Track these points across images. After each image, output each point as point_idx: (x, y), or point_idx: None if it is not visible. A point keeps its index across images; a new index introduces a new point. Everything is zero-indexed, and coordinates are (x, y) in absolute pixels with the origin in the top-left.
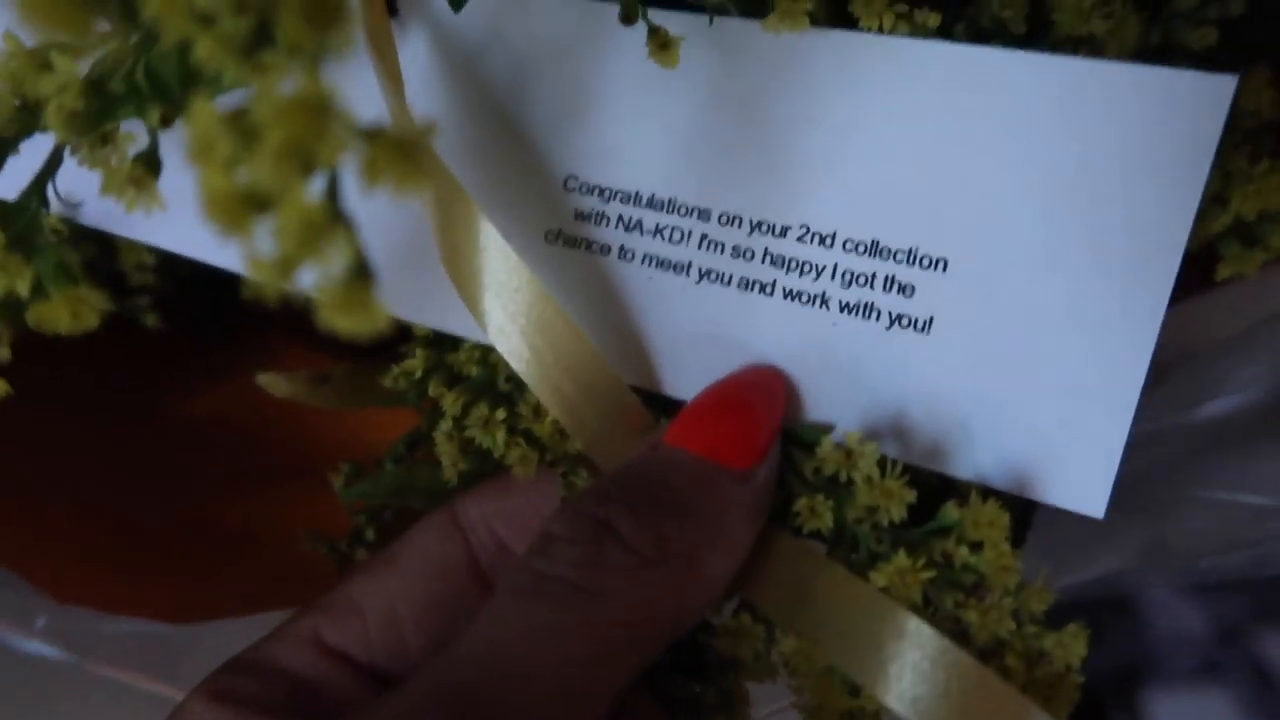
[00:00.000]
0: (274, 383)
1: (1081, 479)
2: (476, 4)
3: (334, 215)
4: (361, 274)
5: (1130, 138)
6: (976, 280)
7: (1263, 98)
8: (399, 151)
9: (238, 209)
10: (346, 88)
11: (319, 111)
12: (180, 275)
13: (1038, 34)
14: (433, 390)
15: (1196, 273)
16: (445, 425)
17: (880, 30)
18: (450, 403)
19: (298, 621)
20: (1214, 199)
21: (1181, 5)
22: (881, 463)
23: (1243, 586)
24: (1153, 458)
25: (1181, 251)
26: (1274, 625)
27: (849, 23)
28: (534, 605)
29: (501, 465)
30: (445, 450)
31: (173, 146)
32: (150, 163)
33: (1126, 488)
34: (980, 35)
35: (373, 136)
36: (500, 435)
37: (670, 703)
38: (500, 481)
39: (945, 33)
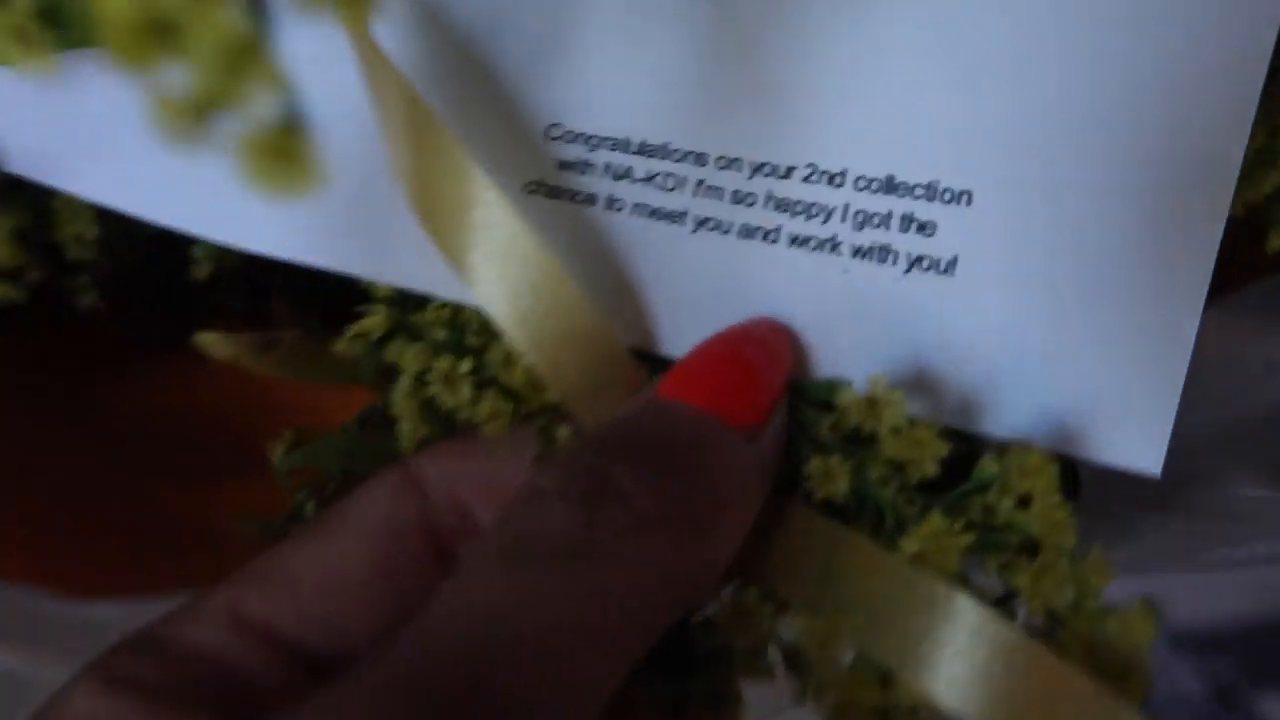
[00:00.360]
0: (215, 343)
1: (1133, 433)
2: None
3: (257, 44)
4: (290, 119)
5: (1174, 47)
6: (1005, 213)
7: None
8: None
9: (142, 36)
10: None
11: None
12: (127, 256)
13: None
14: (391, 353)
15: (1247, 244)
16: (404, 383)
17: None
18: (410, 359)
19: (215, 594)
20: (1261, 158)
21: None
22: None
23: (1235, 643)
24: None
25: (1235, 173)
26: (1270, 686)
27: None
28: (520, 569)
29: (468, 430)
30: (404, 411)
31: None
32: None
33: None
34: None
35: None
36: (465, 389)
37: (649, 702)
38: (464, 442)
39: None
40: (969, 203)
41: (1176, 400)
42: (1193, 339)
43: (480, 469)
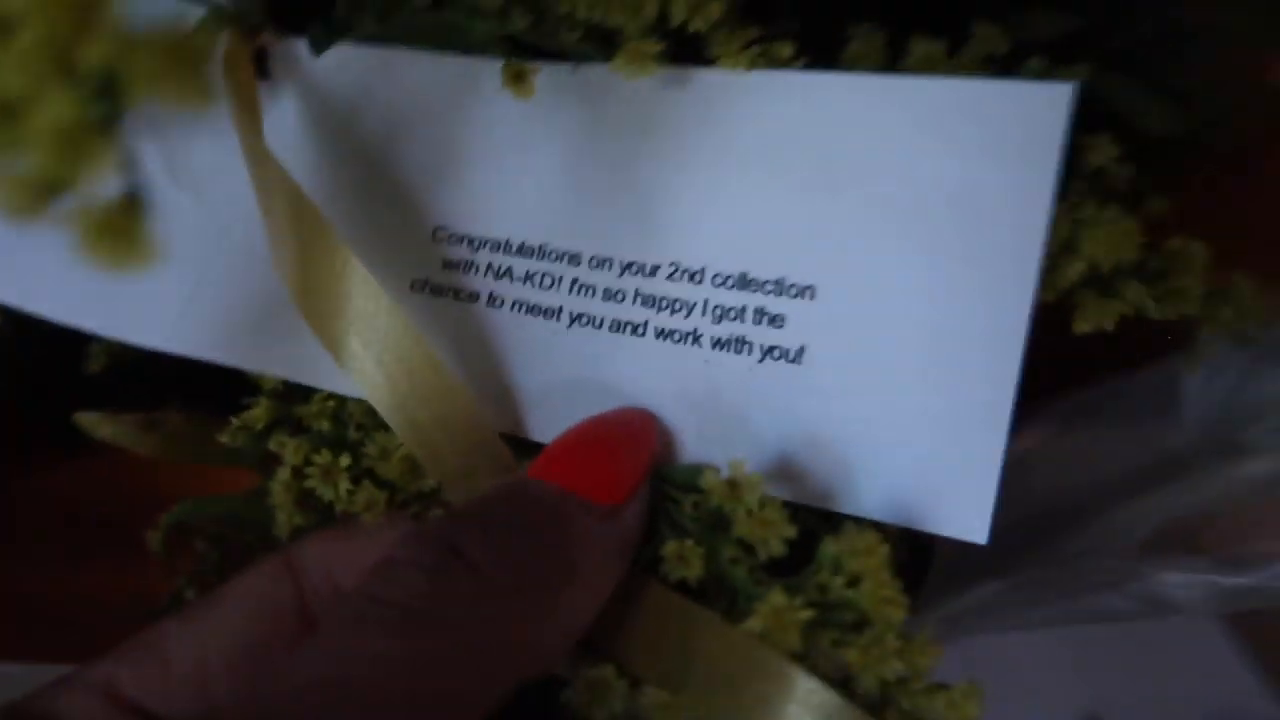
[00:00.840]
0: (96, 423)
1: (962, 505)
2: (348, 66)
3: (98, 125)
4: (130, 197)
5: (979, 152)
6: (844, 306)
7: (1107, 152)
8: (178, 56)
9: None
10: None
11: (84, 6)
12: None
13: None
14: (273, 444)
15: (1058, 326)
16: (283, 475)
17: (740, 68)
18: (292, 450)
19: (90, 668)
20: (1066, 247)
21: (1029, 71)
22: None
23: None
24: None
25: (1038, 263)
26: None
27: (706, 60)
28: (366, 633)
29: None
30: (281, 501)
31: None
32: None
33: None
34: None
35: (147, 38)
36: (343, 485)
37: None
38: (345, 525)
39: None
40: (813, 297)
41: (997, 472)
42: (1008, 418)
43: (357, 554)
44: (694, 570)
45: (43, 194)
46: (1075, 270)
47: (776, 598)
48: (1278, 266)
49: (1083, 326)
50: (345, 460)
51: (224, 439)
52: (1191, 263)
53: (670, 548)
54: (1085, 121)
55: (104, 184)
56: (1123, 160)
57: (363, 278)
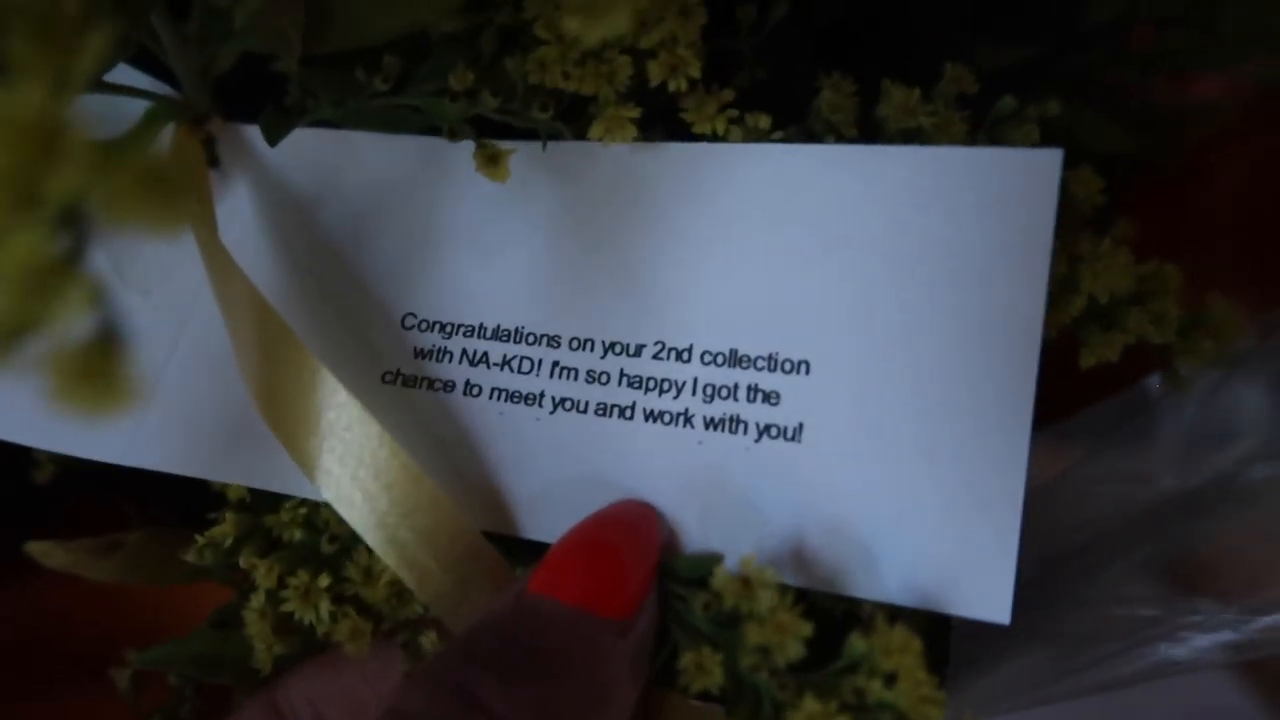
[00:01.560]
0: (48, 552)
1: (981, 584)
2: (304, 151)
3: (68, 261)
4: (105, 335)
5: (972, 220)
6: (841, 380)
7: (1092, 185)
8: (152, 182)
9: None
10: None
11: (50, 133)
12: None
13: (868, 137)
14: (243, 561)
15: (1065, 363)
16: (257, 600)
17: (714, 135)
18: (264, 573)
19: None
20: (1065, 284)
21: (1003, 108)
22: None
23: None
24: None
25: (1040, 325)
26: None
27: (681, 124)
28: None
29: (327, 644)
30: (257, 630)
31: None
32: None
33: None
34: (814, 137)
35: (118, 162)
36: (324, 606)
37: None
38: (330, 657)
39: (781, 133)
40: (808, 371)
41: (1015, 550)
42: (1021, 491)
43: (345, 687)
44: (715, 679)
45: (12, 337)
46: (1076, 306)
47: (810, 704)
48: (1237, 284)
49: (1088, 360)
50: (325, 580)
51: (190, 558)
52: (1168, 285)
53: (688, 658)
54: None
55: (74, 324)
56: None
57: (332, 388)
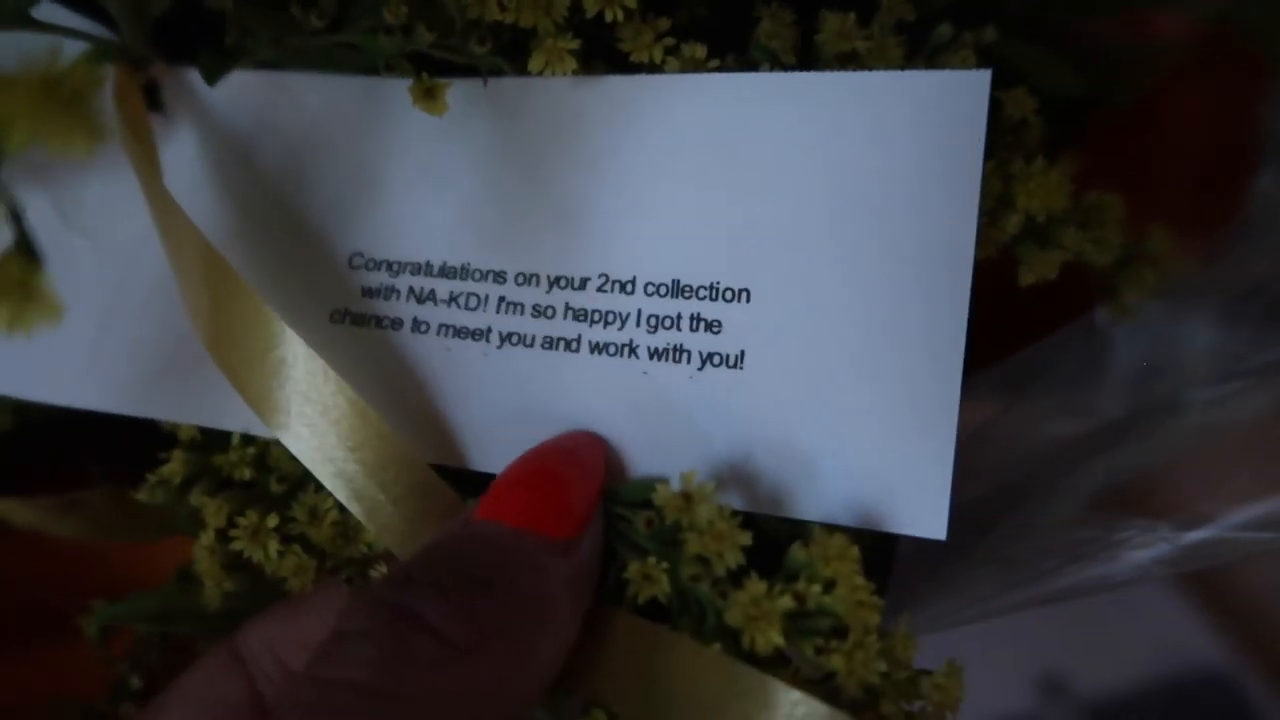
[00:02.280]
0: (12, 510)
1: (918, 502)
2: (246, 94)
3: None
4: (20, 249)
5: (905, 144)
6: (780, 308)
7: (1026, 105)
8: (57, 96)
9: None
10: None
11: None
12: None
13: (807, 64)
14: (194, 499)
15: (1005, 282)
16: (206, 538)
17: (651, 63)
18: (213, 512)
19: None
20: (1001, 201)
21: (940, 36)
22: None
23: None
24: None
25: (972, 247)
26: None
27: (619, 58)
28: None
29: (279, 588)
30: (207, 567)
31: None
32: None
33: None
34: (752, 66)
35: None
36: (272, 546)
37: None
38: (288, 603)
39: (719, 62)
40: (748, 300)
41: (950, 468)
42: (956, 408)
43: (303, 626)
44: (662, 587)
45: None
46: (1013, 223)
47: (755, 586)
48: (1183, 218)
49: (1028, 279)
50: (273, 520)
51: (141, 497)
52: (1109, 214)
53: (634, 568)
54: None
55: None
56: (1038, 112)
57: (277, 327)
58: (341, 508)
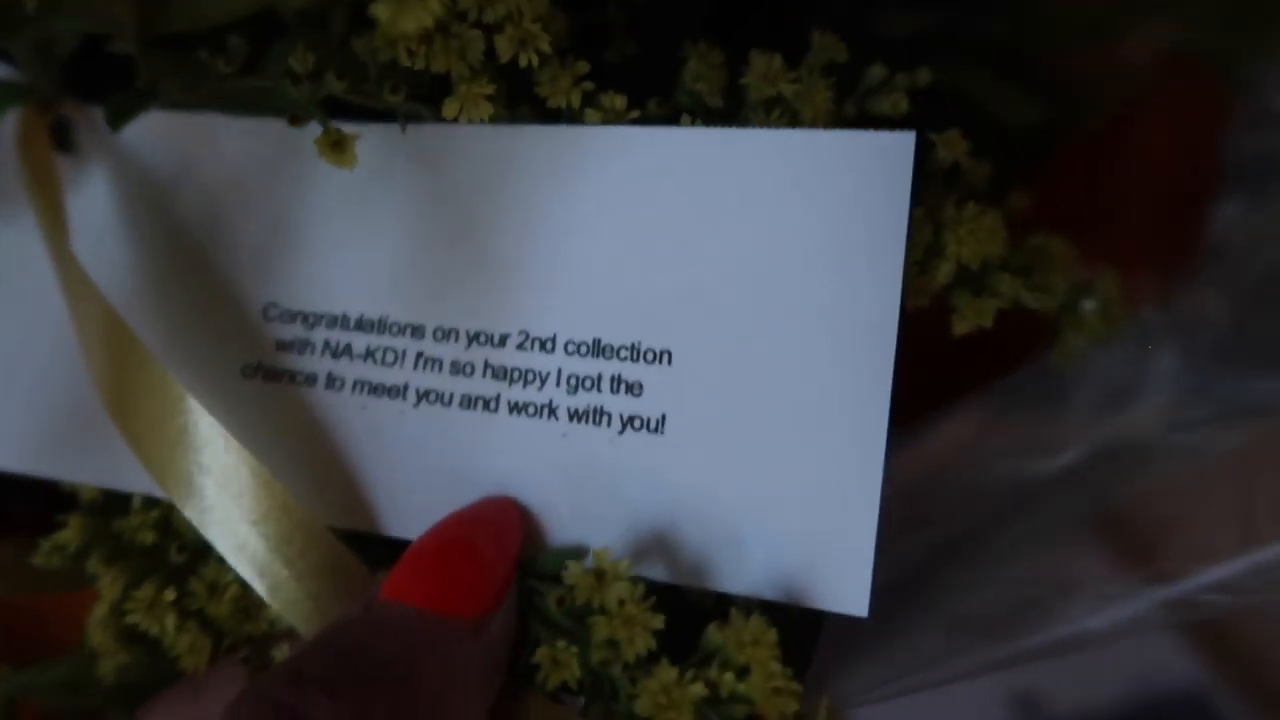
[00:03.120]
0: None
1: (840, 578)
2: (161, 134)
3: None
4: None
5: (829, 205)
6: (702, 370)
7: (958, 149)
8: None
9: None
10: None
11: None
12: None
13: (735, 106)
14: (91, 567)
15: (939, 331)
16: (101, 609)
17: (570, 109)
18: (108, 583)
19: None
20: (931, 250)
21: (872, 79)
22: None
23: None
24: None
25: (896, 314)
26: None
27: (538, 105)
28: None
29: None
30: (101, 641)
31: None
32: None
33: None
34: (678, 111)
35: None
36: (170, 620)
37: None
38: (191, 683)
39: (640, 110)
40: (670, 362)
41: (873, 541)
42: (879, 484)
43: (204, 710)
44: (572, 673)
45: None
46: (944, 272)
47: (665, 674)
48: (1145, 246)
49: (962, 327)
50: (170, 594)
51: (37, 561)
52: (1054, 259)
53: (543, 653)
54: (945, 116)
55: None
56: (977, 155)
57: (179, 394)
58: (243, 582)
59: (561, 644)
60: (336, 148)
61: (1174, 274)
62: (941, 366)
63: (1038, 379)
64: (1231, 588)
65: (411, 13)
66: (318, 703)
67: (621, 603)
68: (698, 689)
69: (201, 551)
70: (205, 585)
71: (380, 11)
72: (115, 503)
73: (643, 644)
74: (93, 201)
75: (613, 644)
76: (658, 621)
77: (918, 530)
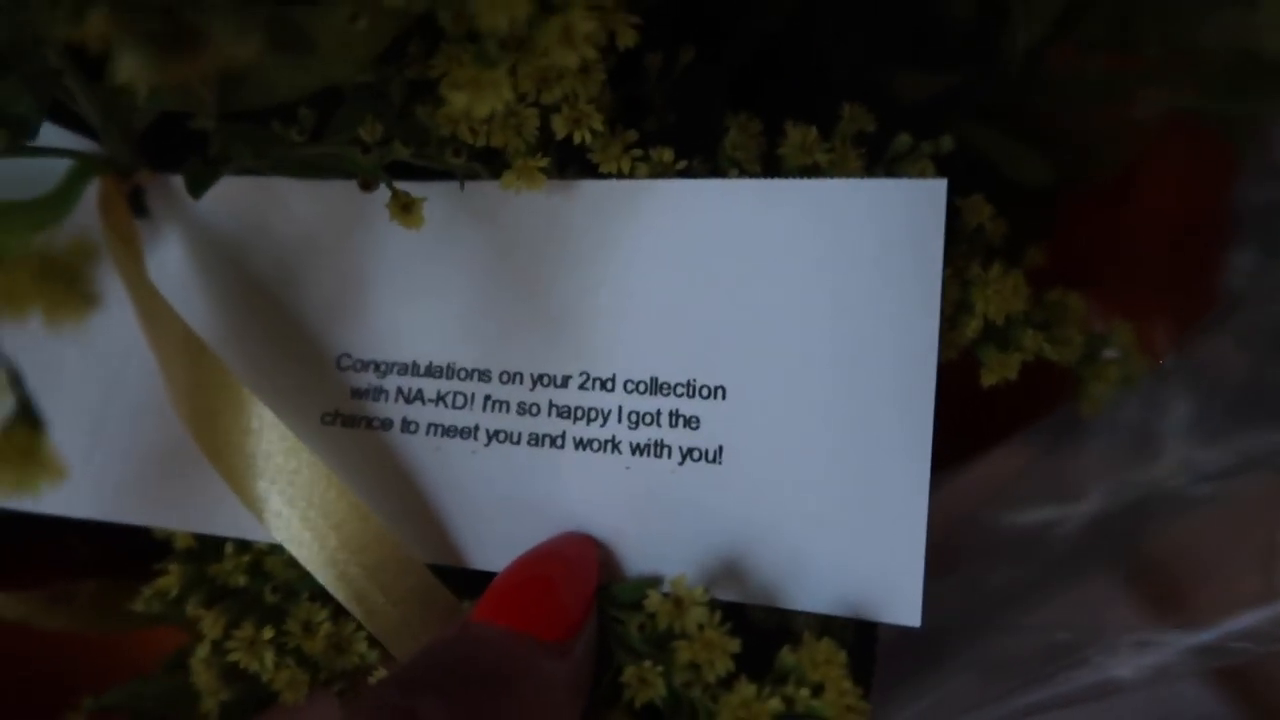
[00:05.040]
0: (2, 605)
1: (893, 590)
2: (232, 198)
3: None
4: (22, 415)
5: (866, 248)
6: (755, 404)
7: (983, 212)
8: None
9: None
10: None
11: None
12: None
13: (772, 172)
14: (191, 611)
15: (967, 383)
16: (203, 650)
17: (621, 174)
18: (210, 624)
19: None
20: (959, 306)
21: (899, 146)
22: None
23: None
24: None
25: (935, 348)
26: None
27: (588, 166)
28: None
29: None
30: (203, 679)
31: None
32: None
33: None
34: (719, 171)
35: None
36: (269, 657)
37: None
38: (282, 711)
39: (686, 163)
40: (724, 397)
41: (921, 554)
42: (925, 499)
43: None
44: (659, 690)
45: None
46: (973, 328)
47: (744, 690)
48: (1159, 299)
49: (989, 379)
50: (269, 632)
51: (138, 608)
52: (1071, 313)
53: (630, 672)
54: (961, 172)
55: None
56: (995, 211)
57: (277, 430)
58: (334, 619)
59: (647, 664)
60: (406, 210)
61: (1189, 324)
62: (970, 416)
63: (1063, 427)
64: (1258, 636)
65: (485, 100)
66: (425, 698)
67: (701, 627)
68: (775, 704)
69: (292, 591)
70: (299, 624)
71: (456, 100)
72: (206, 547)
73: (722, 666)
74: (167, 263)
75: (694, 666)
76: (735, 645)
77: (949, 574)
